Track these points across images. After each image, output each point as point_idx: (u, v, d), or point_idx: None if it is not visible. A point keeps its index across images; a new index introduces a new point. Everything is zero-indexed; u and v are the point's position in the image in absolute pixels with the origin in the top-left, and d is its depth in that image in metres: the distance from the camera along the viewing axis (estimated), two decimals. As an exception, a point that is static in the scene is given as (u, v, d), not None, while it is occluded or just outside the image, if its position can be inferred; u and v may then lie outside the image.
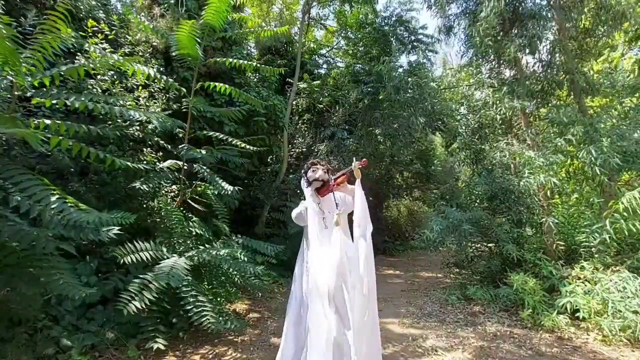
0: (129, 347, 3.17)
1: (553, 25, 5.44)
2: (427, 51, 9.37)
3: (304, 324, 2.55)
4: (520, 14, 5.48)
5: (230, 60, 4.44)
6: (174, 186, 4.80)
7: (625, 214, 3.98)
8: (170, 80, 4.03)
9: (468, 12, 6.19)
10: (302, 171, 2.77)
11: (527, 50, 5.31)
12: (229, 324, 3.41)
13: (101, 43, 3.85)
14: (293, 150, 8.69)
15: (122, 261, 3.16)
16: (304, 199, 2.75)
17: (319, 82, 9.19)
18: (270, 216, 7.20)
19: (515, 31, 5.32)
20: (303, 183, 2.74)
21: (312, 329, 2.34)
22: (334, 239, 2.48)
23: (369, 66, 9.35)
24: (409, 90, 7.32)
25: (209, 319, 3.06)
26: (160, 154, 4.65)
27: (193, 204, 4.62)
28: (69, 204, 2.33)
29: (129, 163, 3.51)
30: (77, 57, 3.53)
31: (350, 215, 2.62)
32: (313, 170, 2.67)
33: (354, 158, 2.61)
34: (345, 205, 2.65)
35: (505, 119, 5.60)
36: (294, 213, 2.77)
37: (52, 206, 2.29)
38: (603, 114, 5.06)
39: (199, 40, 3.99)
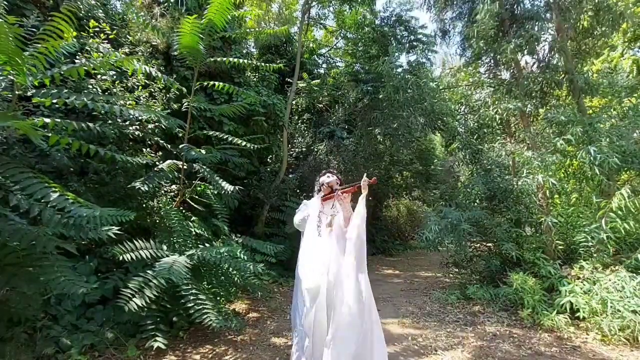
0: (129, 347, 3.17)
1: (551, 26, 5.45)
2: (426, 51, 9.39)
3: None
4: (519, 15, 5.48)
5: (230, 59, 4.44)
6: (173, 186, 4.80)
7: (619, 212, 4.00)
8: (171, 79, 4.02)
9: (463, 15, 6.20)
10: (319, 176, 2.90)
11: (525, 51, 5.31)
12: (230, 322, 3.41)
13: (102, 43, 3.84)
14: (292, 149, 8.69)
15: (121, 259, 3.16)
16: (307, 201, 2.88)
17: (318, 81, 9.20)
18: (270, 216, 7.20)
19: (514, 32, 5.33)
20: (316, 187, 2.87)
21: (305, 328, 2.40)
22: (326, 245, 2.55)
23: (369, 65, 9.37)
24: (408, 90, 7.32)
25: (209, 317, 3.06)
26: (160, 153, 4.65)
27: (193, 203, 4.62)
28: (70, 200, 2.33)
29: (129, 158, 3.52)
30: (77, 57, 3.53)
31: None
32: (328, 176, 2.82)
33: (365, 173, 2.72)
34: (341, 214, 2.68)
35: (504, 119, 5.61)
36: (297, 218, 2.82)
37: (53, 203, 2.28)
38: (602, 114, 5.07)
39: (201, 36, 3.98)
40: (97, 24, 3.93)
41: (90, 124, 2.87)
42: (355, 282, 2.38)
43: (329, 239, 2.57)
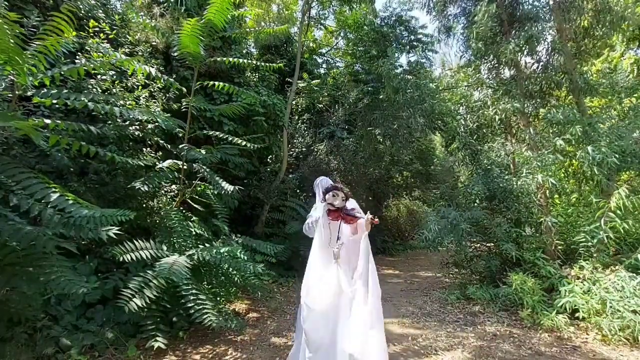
0: (129, 347, 3.17)
1: (551, 27, 5.45)
2: (426, 51, 9.40)
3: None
4: (519, 15, 5.49)
5: (230, 59, 4.44)
6: (173, 186, 4.80)
7: (619, 212, 4.01)
8: (171, 80, 4.02)
9: (466, 12, 6.21)
10: (323, 188, 2.79)
11: (525, 52, 5.32)
12: (230, 323, 3.41)
13: (102, 43, 3.84)
14: (293, 149, 8.69)
15: (121, 259, 3.16)
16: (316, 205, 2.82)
17: (318, 81, 9.20)
18: (270, 216, 7.21)
19: (513, 32, 5.33)
20: (318, 194, 2.79)
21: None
22: (332, 272, 2.52)
23: (369, 66, 9.37)
24: (408, 91, 7.33)
25: (209, 317, 3.06)
26: (160, 153, 4.65)
27: (193, 203, 4.62)
28: (70, 201, 2.33)
29: (129, 159, 3.52)
30: (77, 57, 3.53)
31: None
32: (333, 195, 2.69)
33: (369, 212, 2.63)
34: (348, 240, 2.66)
35: (504, 119, 5.61)
36: (305, 225, 2.80)
37: (53, 203, 2.28)
38: (602, 114, 5.07)
39: (202, 38, 3.98)
40: (97, 23, 3.93)
41: (91, 126, 2.88)
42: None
43: (337, 270, 2.54)
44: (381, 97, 8.19)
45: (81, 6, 4.23)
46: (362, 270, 2.47)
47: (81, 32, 3.78)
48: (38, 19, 3.45)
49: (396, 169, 10.96)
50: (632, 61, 7.04)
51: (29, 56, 2.47)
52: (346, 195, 2.72)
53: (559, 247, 4.70)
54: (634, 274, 3.81)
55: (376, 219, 2.52)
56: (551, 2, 5.46)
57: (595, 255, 4.19)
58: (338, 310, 2.42)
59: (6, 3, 2.98)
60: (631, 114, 4.84)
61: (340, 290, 2.46)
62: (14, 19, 2.29)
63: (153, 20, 5.53)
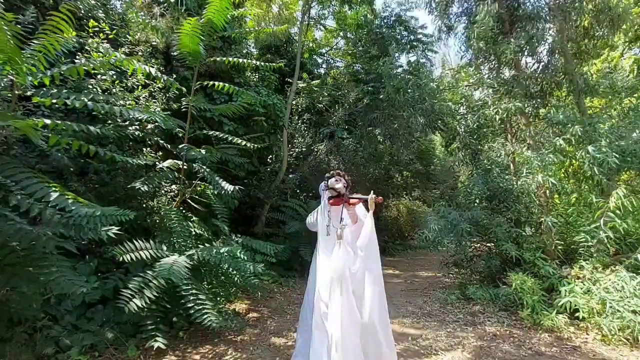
0: (129, 347, 3.17)
1: (552, 27, 5.46)
2: (426, 51, 9.41)
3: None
4: (519, 16, 5.50)
5: (230, 59, 4.44)
6: (173, 186, 4.80)
7: (618, 212, 4.01)
8: (171, 79, 4.02)
9: (468, 12, 6.22)
10: (326, 175, 2.90)
11: (526, 52, 5.33)
12: (229, 323, 3.41)
13: (102, 43, 3.84)
14: (293, 149, 8.69)
15: (121, 259, 3.16)
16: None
17: (318, 81, 9.21)
18: (270, 216, 7.21)
19: (514, 32, 5.34)
20: (322, 185, 2.87)
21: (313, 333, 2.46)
22: (336, 253, 2.58)
23: (369, 66, 9.38)
24: (409, 91, 7.33)
25: (209, 317, 3.06)
26: (160, 153, 4.65)
27: (193, 203, 4.62)
28: (70, 200, 2.33)
29: (129, 159, 3.52)
30: (77, 57, 3.53)
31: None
32: (336, 180, 2.79)
33: (372, 191, 2.72)
34: (350, 225, 2.72)
35: (505, 119, 5.62)
36: (307, 219, 2.94)
37: (53, 203, 2.28)
38: (602, 114, 5.07)
39: (202, 38, 3.98)
40: (96, 23, 3.93)
41: (91, 127, 2.87)
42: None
43: (340, 250, 2.60)
44: (381, 97, 8.19)
45: (81, 6, 4.23)
46: (363, 247, 2.56)
47: (81, 32, 3.77)
48: (34, 15, 3.43)
49: (396, 169, 10.96)
50: (632, 61, 7.04)
51: (29, 56, 2.47)
52: (347, 182, 2.81)
53: (559, 247, 4.70)
54: (634, 274, 3.81)
55: (380, 198, 2.62)
56: (551, 3, 5.47)
57: (595, 255, 4.19)
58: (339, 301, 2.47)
59: (5, 2, 2.97)
60: (631, 114, 4.84)
61: (343, 275, 2.51)
62: (11, 18, 2.28)
63: (153, 20, 5.53)
